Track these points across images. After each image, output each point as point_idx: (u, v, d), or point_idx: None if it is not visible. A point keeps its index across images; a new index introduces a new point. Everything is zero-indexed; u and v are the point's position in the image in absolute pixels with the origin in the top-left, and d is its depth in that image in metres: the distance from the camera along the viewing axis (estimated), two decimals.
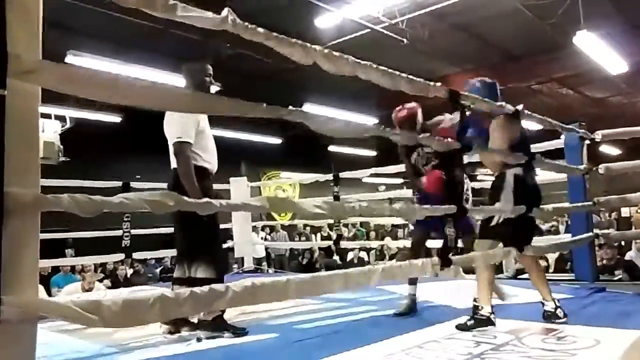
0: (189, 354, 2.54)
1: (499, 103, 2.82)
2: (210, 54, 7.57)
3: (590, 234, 4.12)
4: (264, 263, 9.47)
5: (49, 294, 6.07)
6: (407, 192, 4.44)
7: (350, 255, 10.44)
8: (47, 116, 5.66)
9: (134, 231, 5.16)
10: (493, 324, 2.69)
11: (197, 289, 1.38)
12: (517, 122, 2.88)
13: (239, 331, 2.85)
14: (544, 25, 7.64)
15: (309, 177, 7.18)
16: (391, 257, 10.41)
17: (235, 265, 7.22)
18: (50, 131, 5.62)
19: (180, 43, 7.10)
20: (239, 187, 6.22)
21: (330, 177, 5.71)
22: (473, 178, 3.70)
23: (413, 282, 3.32)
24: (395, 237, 11.19)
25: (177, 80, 3.12)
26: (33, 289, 1.15)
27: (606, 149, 14.00)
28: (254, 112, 1.61)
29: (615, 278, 4.80)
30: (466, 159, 3.06)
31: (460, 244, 3.32)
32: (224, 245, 6.25)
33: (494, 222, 2.74)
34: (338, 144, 13.16)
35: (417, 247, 3.49)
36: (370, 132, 2.06)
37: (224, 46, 7.78)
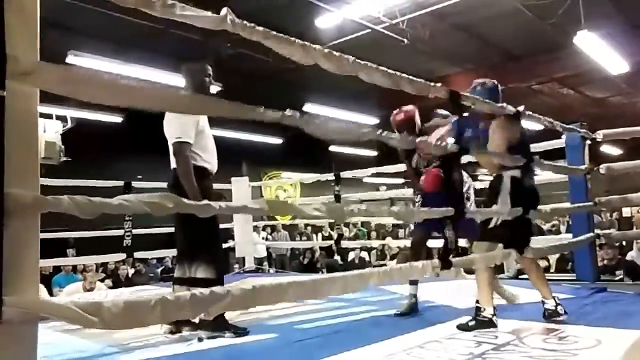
0: (190, 354, 2.55)
1: (499, 104, 2.82)
2: (210, 53, 7.57)
3: (592, 234, 4.12)
4: (265, 263, 9.48)
5: (51, 293, 6.08)
6: (408, 191, 4.44)
7: (351, 255, 10.43)
8: (48, 116, 5.66)
9: (135, 231, 5.16)
10: (495, 325, 2.68)
11: (197, 292, 1.38)
12: (516, 123, 2.87)
13: (240, 331, 2.85)
14: (545, 25, 7.64)
15: (310, 177, 7.18)
16: (392, 257, 10.42)
17: (237, 265, 7.23)
18: (51, 131, 5.62)
19: (180, 43, 7.11)
20: (240, 187, 6.22)
21: (331, 176, 5.71)
22: (474, 178, 3.70)
23: (414, 282, 3.32)
24: (396, 237, 11.20)
25: (177, 80, 3.11)
26: (34, 290, 1.16)
27: (607, 149, 14.00)
28: (251, 115, 1.60)
29: (616, 278, 4.79)
30: (467, 157, 3.07)
31: (464, 243, 3.34)
32: (225, 245, 6.26)
33: (491, 225, 2.75)
34: (339, 144, 13.16)
35: (417, 246, 3.50)
36: (367, 136, 2.06)
37: (224, 46, 7.79)
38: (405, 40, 7.71)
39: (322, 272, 8.96)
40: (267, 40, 1.66)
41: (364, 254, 10.74)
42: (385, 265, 9.99)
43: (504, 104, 2.85)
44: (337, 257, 10.38)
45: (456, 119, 2.86)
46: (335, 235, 10.72)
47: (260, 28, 1.63)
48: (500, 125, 2.82)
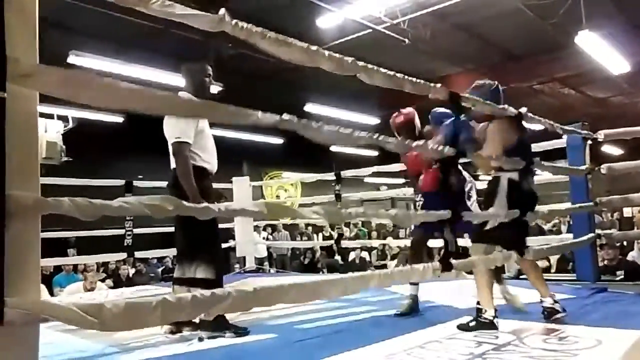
0: (190, 354, 2.55)
1: (501, 106, 2.82)
2: (211, 53, 7.58)
3: (592, 234, 4.12)
4: (266, 263, 9.48)
5: (51, 293, 6.09)
6: (409, 191, 4.44)
7: (352, 255, 10.44)
8: (49, 116, 5.66)
9: (136, 230, 5.17)
10: (496, 327, 2.68)
11: (198, 293, 1.38)
12: (514, 126, 2.86)
13: (240, 331, 2.86)
14: (546, 25, 7.64)
15: (311, 177, 7.18)
16: (393, 257, 10.42)
17: (237, 265, 7.23)
18: (52, 131, 5.61)
19: (181, 43, 7.11)
20: (241, 187, 6.22)
21: (332, 176, 5.71)
22: (476, 178, 3.70)
23: (415, 282, 3.32)
24: (397, 237, 11.19)
25: (178, 80, 3.11)
26: (36, 291, 1.16)
27: (608, 149, 13.98)
28: (249, 120, 1.60)
29: (617, 278, 4.79)
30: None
31: (467, 241, 3.33)
32: (226, 245, 6.27)
33: (488, 227, 2.76)
34: (340, 145, 13.15)
35: (417, 246, 3.50)
36: (364, 141, 2.07)
37: (225, 46, 7.79)
38: (406, 40, 7.71)
39: (323, 272, 8.97)
40: (265, 42, 1.66)
41: (365, 254, 10.74)
42: (385, 265, 10.00)
43: (505, 106, 2.84)
44: (337, 257, 10.38)
45: (449, 122, 2.87)
46: (335, 235, 10.73)
47: (258, 29, 1.63)
48: (496, 129, 2.82)
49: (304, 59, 1.81)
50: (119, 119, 9.60)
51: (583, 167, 4.08)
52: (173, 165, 2.86)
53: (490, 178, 2.94)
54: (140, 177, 5.62)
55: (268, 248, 10.19)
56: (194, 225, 2.71)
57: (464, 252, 2.89)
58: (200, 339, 2.75)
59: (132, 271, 7.85)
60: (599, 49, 7.48)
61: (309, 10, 6.80)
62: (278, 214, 2.13)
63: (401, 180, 13.81)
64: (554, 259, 6.31)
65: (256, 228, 8.24)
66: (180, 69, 3.14)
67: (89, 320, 1.16)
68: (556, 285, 3.85)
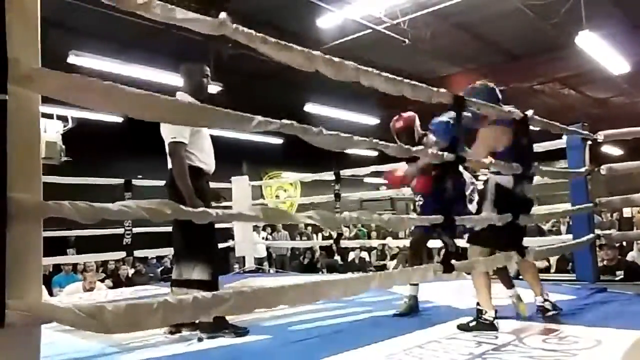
0: (190, 354, 2.55)
1: (507, 109, 2.82)
2: (211, 53, 7.58)
3: (592, 235, 4.12)
4: (265, 263, 9.48)
5: (51, 293, 6.09)
6: (408, 191, 4.44)
7: (351, 255, 10.44)
8: (49, 116, 5.67)
9: (135, 229, 5.17)
10: (496, 328, 2.68)
11: (199, 295, 1.39)
12: (506, 132, 2.85)
13: (240, 331, 2.86)
14: (546, 25, 7.64)
15: (311, 176, 7.18)
16: (392, 257, 10.42)
17: (237, 265, 7.23)
18: (52, 131, 5.62)
19: (181, 43, 7.10)
20: (240, 187, 6.21)
21: (331, 175, 5.70)
22: (476, 178, 3.71)
23: (415, 282, 3.32)
24: (396, 237, 11.19)
25: (177, 80, 3.12)
26: (37, 293, 1.16)
27: (608, 150, 13.98)
28: (249, 126, 1.60)
29: (617, 278, 4.79)
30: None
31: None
32: (225, 245, 6.27)
33: (476, 228, 2.78)
34: None
35: (416, 246, 3.50)
36: (365, 145, 2.07)
37: (225, 46, 7.79)
38: (407, 40, 7.71)
39: (323, 272, 8.97)
40: (266, 47, 1.66)
41: (364, 254, 10.74)
42: (385, 265, 10.00)
43: (511, 108, 2.84)
44: (337, 257, 10.39)
45: (438, 121, 2.88)
46: (335, 235, 10.72)
47: (260, 35, 1.63)
48: (483, 134, 2.84)
49: (304, 64, 1.81)
50: (119, 119, 9.59)
51: (583, 169, 4.08)
52: (170, 165, 2.87)
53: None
54: (140, 177, 5.61)
55: (267, 248, 10.19)
56: (191, 226, 2.72)
57: (463, 253, 2.89)
58: (200, 339, 2.75)
59: (131, 271, 7.85)
60: (599, 49, 7.48)
61: (309, 10, 6.80)
62: (274, 218, 2.13)
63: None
64: (553, 259, 6.32)
65: (255, 228, 8.25)
66: (179, 69, 3.15)
67: (90, 322, 1.16)
68: (556, 286, 3.85)
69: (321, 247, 10.30)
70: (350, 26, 7.40)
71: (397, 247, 10.10)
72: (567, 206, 4.48)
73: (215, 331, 2.80)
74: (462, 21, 8.07)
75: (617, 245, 5.59)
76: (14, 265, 1.10)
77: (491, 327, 2.69)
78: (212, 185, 3.29)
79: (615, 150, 14.51)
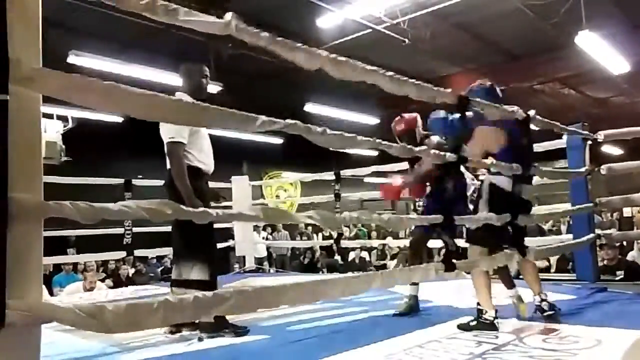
0: (190, 354, 2.55)
1: (511, 109, 2.82)
2: (211, 53, 7.58)
3: (592, 234, 4.12)
4: (266, 262, 9.48)
5: (51, 293, 6.09)
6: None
7: (351, 255, 10.44)
8: (49, 116, 5.67)
9: (135, 229, 5.18)
10: (496, 328, 2.68)
11: (200, 294, 1.39)
12: (502, 133, 2.84)
13: (240, 330, 2.86)
14: (546, 25, 7.64)
15: (311, 176, 7.18)
16: (392, 257, 10.41)
17: (237, 265, 7.23)
18: (52, 131, 5.62)
19: (181, 43, 7.11)
20: (240, 186, 6.21)
21: (331, 175, 5.70)
22: (477, 177, 3.72)
23: (415, 282, 3.32)
24: (396, 237, 11.19)
25: (178, 80, 3.12)
26: (37, 293, 1.16)
27: (608, 149, 13.98)
28: (254, 125, 1.60)
29: (617, 278, 4.79)
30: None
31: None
32: (225, 245, 6.27)
33: (473, 227, 2.79)
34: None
35: (416, 246, 3.50)
36: (368, 145, 2.07)
37: (225, 46, 7.79)
38: (407, 40, 7.70)
39: (323, 272, 8.97)
40: (272, 46, 1.66)
41: (365, 254, 10.74)
42: (385, 264, 10.00)
43: (515, 108, 2.85)
44: (337, 257, 10.39)
45: (438, 119, 2.89)
46: (335, 235, 10.73)
47: (265, 34, 1.63)
48: (479, 134, 2.84)
49: (309, 63, 1.81)
50: (119, 119, 9.59)
51: (583, 169, 4.08)
52: (169, 165, 2.87)
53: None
54: (140, 177, 5.62)
55: (268, 248, 10.19)
56: (190, 226, 2.72)
57: (463, 253, 2.90)
58: (200, 339, 2.75)
59: (131, 271, 7.86)
60: (599, 49, 7.47)
61: (309, 10, 6.80)
62: (275, 218, 2.13)
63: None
64: (553, 259, 6.32)
65: (256, 228, 8.24)
66: (178, 69, 3.15)
67: (91, 322, 1.16)
68: (556, 285, 3.86)
69: (321, 247, 10.30)
70: (350, 26, 7.39)
71: (398, 247, 10.10)
72: (567, 206, 4.48)
73: (216, 331, 2.80)
74: (462, 21, 8.07)
75: (618, 245, 5.59)
76: (15, 265, 1.10)
77: (491, 326, 2.69)
78: (212, 185, 3.29)
79: (615, 150, 14.51)
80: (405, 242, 5.45)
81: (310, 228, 11.82)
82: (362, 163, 6.03)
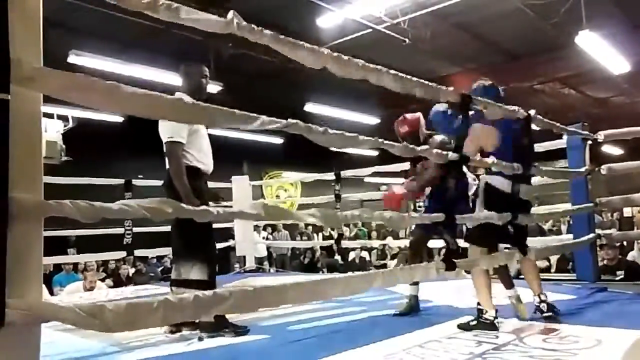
0: (190, 353, 2.55)
1: (512, 108, 2.82)
2: (212, 53, 7.57)
3: (592, 234, 4.12)
4: (266, 262, 9.48)
5: (51, 292, 6.09)
6: None
7: (351, 255, 10.43)
8: (49, 116, 5.66)
9: (135, 229, 5.18)
10: (496, 328, 2.68)
11: (200, 293, 1.39)
12: (495, 133, 2.84)
13: (240, 330, 2.86)
14: (546, 25, 7.63)
15: (311, 176, 7.18)
16: (393, 257, 10.41)
17: (237, 265, 7.23)
18: (52, 131, 5.62)
19: (182, 43, 7.11)
20: (240, 186, 6.21)
21: (331, 176, 5.70)
22: (478, 177, 3.72)
23: (415, 282, 3.32)
24: (396, 237, 11.19)
25: (178, 80, 3.12)
26: (37, 292, 1.17)
27: (608, 149, 13.97)
28: (253, 124, 1.60)
29: (617, 278, 4.79)
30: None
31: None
32: (226, 244, 6.27)
33: (471, 226, 2.80)
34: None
35: (416, 246, 3.50)
36: (370, 145, 2.07)
37: (225, 46, 7.79)
38: (407, 40, 7.70)
39: (323, 272, 8.97)
40: (276, 44, 1.66)
41: (365, 254, 10.74)
42: (385, 264, 10.00)
43: (516, 108, 2.85)
44: (337, 257, 10.39)
45: (438, 112, 2.89)
46: (336, 236, 10.73)
47: (268, 32, 1.64)
48: (474, 132, 2.84)
49: (313, 62, 1.81)
50: (119, 119, 9.60)
51: (583, 169, 4.08)
52: (168, 165, 2.87)
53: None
54: (140, 176, 5.62)
55: (268, 248, 10.19)
56: (188, 226, 2.72)
57: (464, 253, 2.90)
58: (200, 339, 2.75)
59: (132, 271, 7.86)
60: (599, 49, 7.47)
61: (309, 9, 6.80)
62: (276, 216, 2.14)
63: (401, 180, 13.80)
64: (554, 258, 6.31)
65: (256, 228, 8.24)
66: (178, 69, 3.16)
67: (91, 321, 1.16)
68: (556, 285, 3.85)
69: (321, 247, 10.30)
70: (350, 26, 7.39)
71: (398, 247, 10.10)
72: (567, 206, 4.48)
73: (216, 330, 2.80)
74: (462, 21, 8.06)
75: (618, 244, 5.59)
76: (15, 265, 1.10)
77: (492, 326, 2.69)
78: (212, 185, 3.29)
79: (615, 150, 14.51)
80: (406, 242, 5.45)
81: (310, 228, 11.82)
82: (361, 163, 6.03)
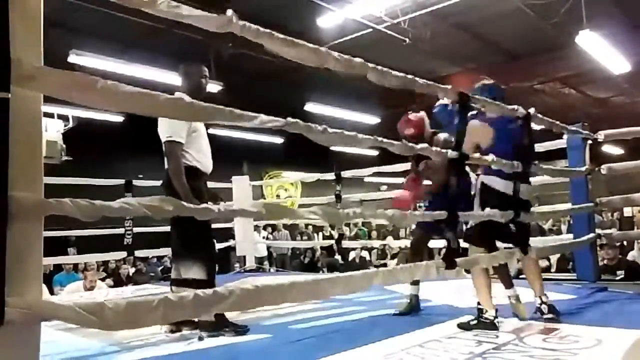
0: (190, 353, 2.55)
1: (511, 107, 2.82)
2: (212, 53, 7.58)
3: (593, 234, 4.12)
4: (266, 262, 9.48)
5: (51, 292, 6.09)
6: None
7: (352, 255, 10.43)
8: (50, 115, 5.67)
9: (135, 229, 5.18)
10: (496, 328, 2.68)
11: (200, 292, 1.39)
12: (490, 131, 2.84)
13: (240, 329, 2.86)
14: (546, 25, 7.63)
15: (311, 176, 7.19)
16: (393, 257, 10.41)
17: (237, 264, 7.23)
18: (53, 130, 5.63)
19: (182, 42, 7.12)
20: (240, 186, 6.21)
21: (332, 176, 5.70)
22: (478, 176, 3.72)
23: (416, 282, 3.32)
24: (397, 237, 11.19)
25: (178, 80, 3.13)
26: (37, 291, 1.16)
27: (608, 149, 13.97)
28: (252, 122, 1.60)
29: (617, 278, 4.79)
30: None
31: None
32: (226, 244, 6.27)
33: (468, 225, 2.80)
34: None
35: (417, 246, 3.50)
36: (369, 143, 2.07)
37: (225, 45, 7.79)
38: (407, 40, 7.71)
39: (323, 272, 8.97)
40: (273, 43, 1.66)
41: (365, 254, 10.74)
42: (386, 264, 10.00)
43: (515, 106, 2.85)
44: (337, 257, 10.39)
45: (441, 104, 2.90)
46: (336, 235, 10.72)
47: (267, 30, 1.64)
48: (470, 129, 2.84)
49: (313, 60, 1.81)
50: (119, 119, 9.61)
51: (583, 168, 4.08)
52: (167, 165, 2.87)
53: None
54: (140, 176, 5.62)
55: (268, 247, 10.18)
56: (187, 226, 2.72)
57: (464, 253, 2.90)
58: (200, 338, 2.75)
59: (132, 270, 7.87)
60: (599, 49, 7.47)
61: (310, 9, 6.80)
62: (277, 214, 2.14)
63: (402, 180, 13.80)
64: (554, 258, 6.32)
65: (256, 227, 8.24)
66: (178, 69, 3.16)
67: (91, 319, 1.16)
68: (556, 285, 3.85)
69: (322, 247, 10.30)
70: (350, 25, 7.40)
71: (398, 246, 10.10)
72: (567, 206, 4.48)
73: (216, 330, 2.80)
74: (462, 21, 8.07)
75: (618, 244, 5.59)
76: (15, 263, 1.10)
77: (492, 326, 2.69)
78: (212, 185, 3.29)
79: (615, 150, 14.51)
80: (406, 242, 5.46)
81: (310, 228, 11.82)
82: (361, 163, 6.03)
